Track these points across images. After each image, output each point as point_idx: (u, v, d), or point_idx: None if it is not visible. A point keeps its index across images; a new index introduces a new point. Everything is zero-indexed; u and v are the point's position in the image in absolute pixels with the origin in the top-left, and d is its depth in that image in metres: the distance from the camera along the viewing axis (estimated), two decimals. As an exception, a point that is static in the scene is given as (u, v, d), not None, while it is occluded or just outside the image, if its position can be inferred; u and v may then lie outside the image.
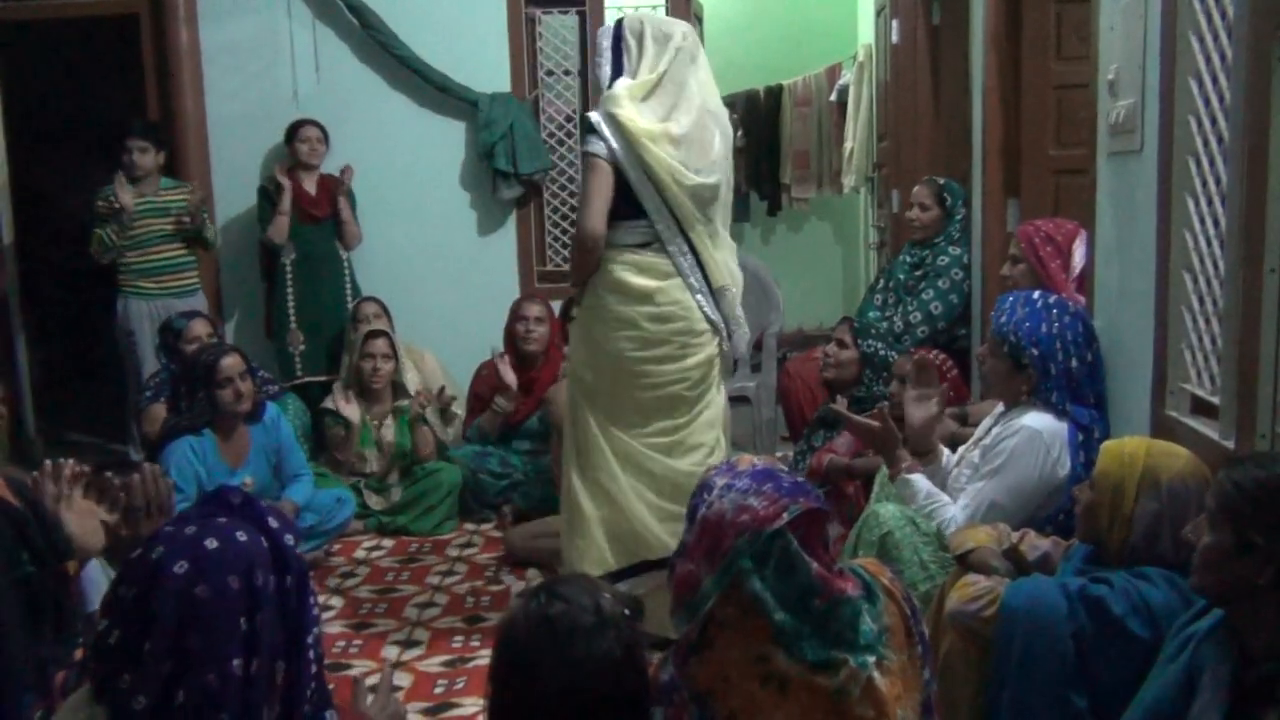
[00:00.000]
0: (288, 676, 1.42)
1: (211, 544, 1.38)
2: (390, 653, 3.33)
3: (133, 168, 4.88)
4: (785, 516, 1.71)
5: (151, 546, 1.39)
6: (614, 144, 3.10)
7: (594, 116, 3.16)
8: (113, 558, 2.34)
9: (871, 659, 1.71)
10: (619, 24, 3.28)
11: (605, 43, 3.26)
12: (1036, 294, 2.93)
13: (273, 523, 1.46)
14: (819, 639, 1.70)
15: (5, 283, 5.40)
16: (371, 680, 3.08)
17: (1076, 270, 3.30)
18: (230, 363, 3.79)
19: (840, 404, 3.44)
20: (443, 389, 4.87)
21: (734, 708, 1.71)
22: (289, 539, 1.47)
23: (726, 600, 1.72)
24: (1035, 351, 2.76)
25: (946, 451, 3.00)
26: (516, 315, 4.66)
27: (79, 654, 2.11)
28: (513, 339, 4.66)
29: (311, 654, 1.47)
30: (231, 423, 3.84)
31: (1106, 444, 2.26)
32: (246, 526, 1.43)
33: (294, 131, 5.12)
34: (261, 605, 1.39)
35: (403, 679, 3.15)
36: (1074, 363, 2.78)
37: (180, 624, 1.34)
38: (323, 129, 5.15)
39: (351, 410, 4.64)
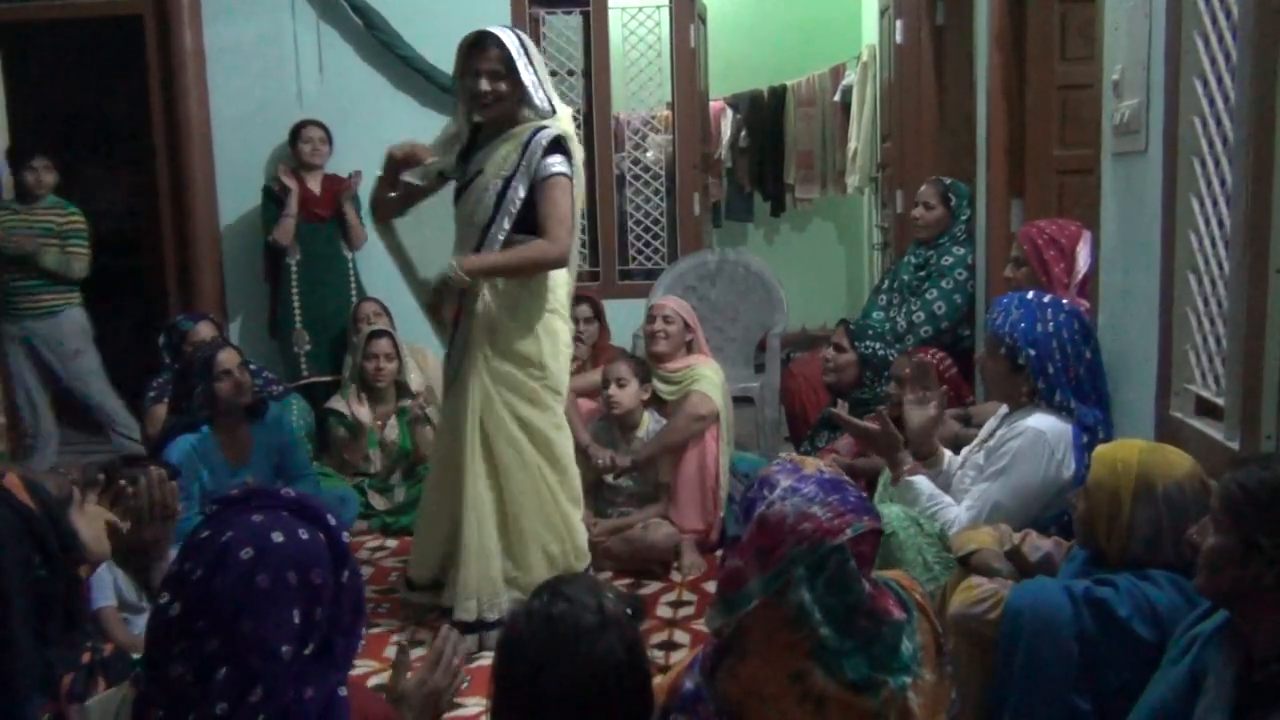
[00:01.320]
0: (330, 657, 1.51)
1: (278, 537, 1.47)
2: (393, 653, 3.33)
3: (38, 185, 4.90)
4: (849, 532, 1.67)
5: (220, 529, 1.47)
6: (571, 168, 3.27)
7: (562, 139, 3.24)
8: (122, 561, 2.34)
9: (908, 680, 1.69)
10: (522, 38, 3.29)
11: (532, 52, 3.28)
12: (1031, 294, 2.92)
13: (330, 519, 1.55)
14: (861, 658, 1.68)
15: (7, 282, 5.40)
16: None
17: (1081, 274, 3.29)
18: (226, 356, 3.81)
19: (841, 408, 3.44)
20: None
21: None
22: (345, 536, 1.56)
23: (768, 607, 1.69)
24: (1032, 351, 2.75)
25: (949, 454, 3.00)
26: None
27: (86, 656, 2.11)
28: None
29: (360, 642, 1.57)
30: (233, 421, 3.84)
31: (1098, 451, 2.23)
32: (309, 525, 1.52)
33: (297, 132, 5.13)
34: (318, 601, 1.48)
35: (406, 679, 3.15)
36: (1072, 360, 2.77)
37: (237, 607, 1.42)
38: (326, 129, 5.16)
39: (364, 412, 4.66)
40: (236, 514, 1.50)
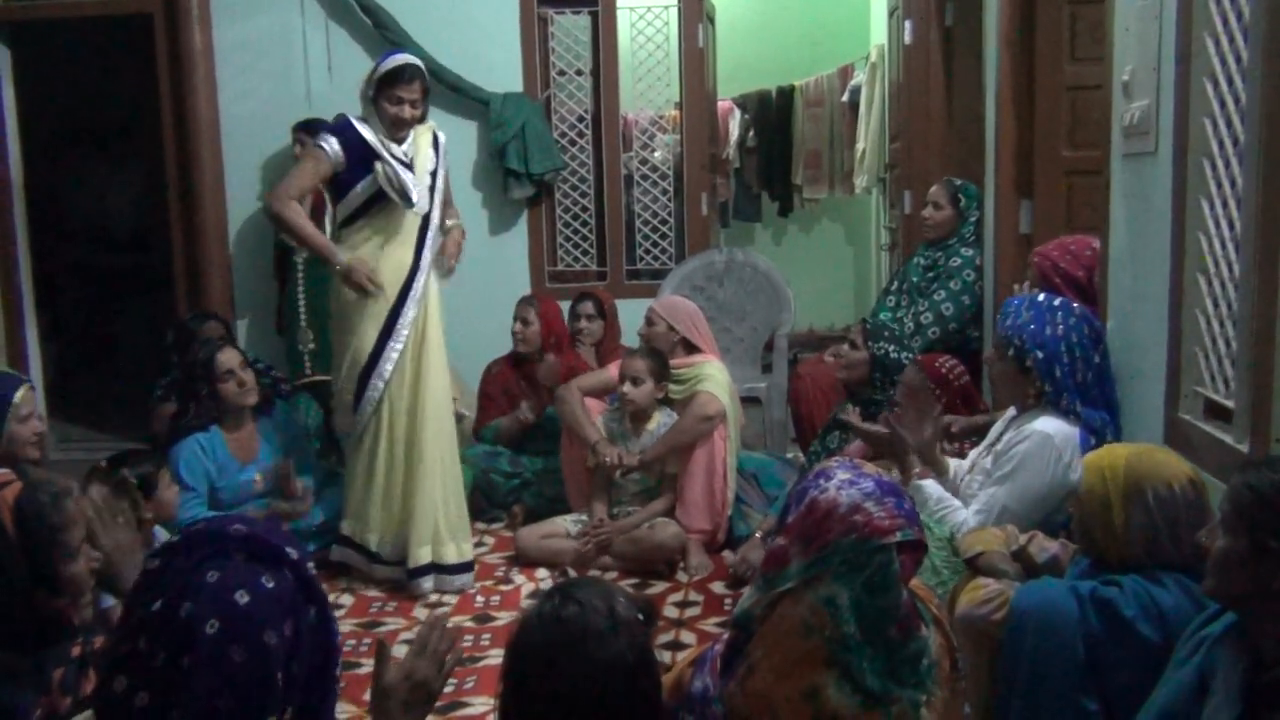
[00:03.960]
0: (315, 702, 1.39)
1: (243, 599, 1.28)
2: (400, 652, 3.33)
3: None
4: (898, 535, 1.67)
5: (176, 599, 1.28)
6: None
7: None
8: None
9: (923, 697, 1.69)
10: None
11: None
12: (1042, 296, 2.92)
13: (291, 553, 1.37)
14: (880, 667, 1.67)
15: (19, 279, 5.42)
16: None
17: None
18: (226, 356, 3.81)
19: (851, 413, 3.43)
20: None
21: None
22: (310, 566, 1.40)
23: (795, 601, 1.68)
24: (1040, 354, 2.75)
25: (955, 462, 3.00)
26: (515, 316, 4.69)
27: (76, 650, 2.11)
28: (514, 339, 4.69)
29: (338, 684, 1.43)
30: (239, 418, 3.85)
31: (1087, 458, 2.23)
32: (270, 570, 1.33)
33: None
34: (296, 651, 1.32)
35: (412, 678, 3.15)
36: (1080, 365, 2.76)
37: (212, 689, 1.25)
38: None
39: None
40: (187, 573, 1.30)
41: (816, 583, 1.68)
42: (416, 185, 3.73)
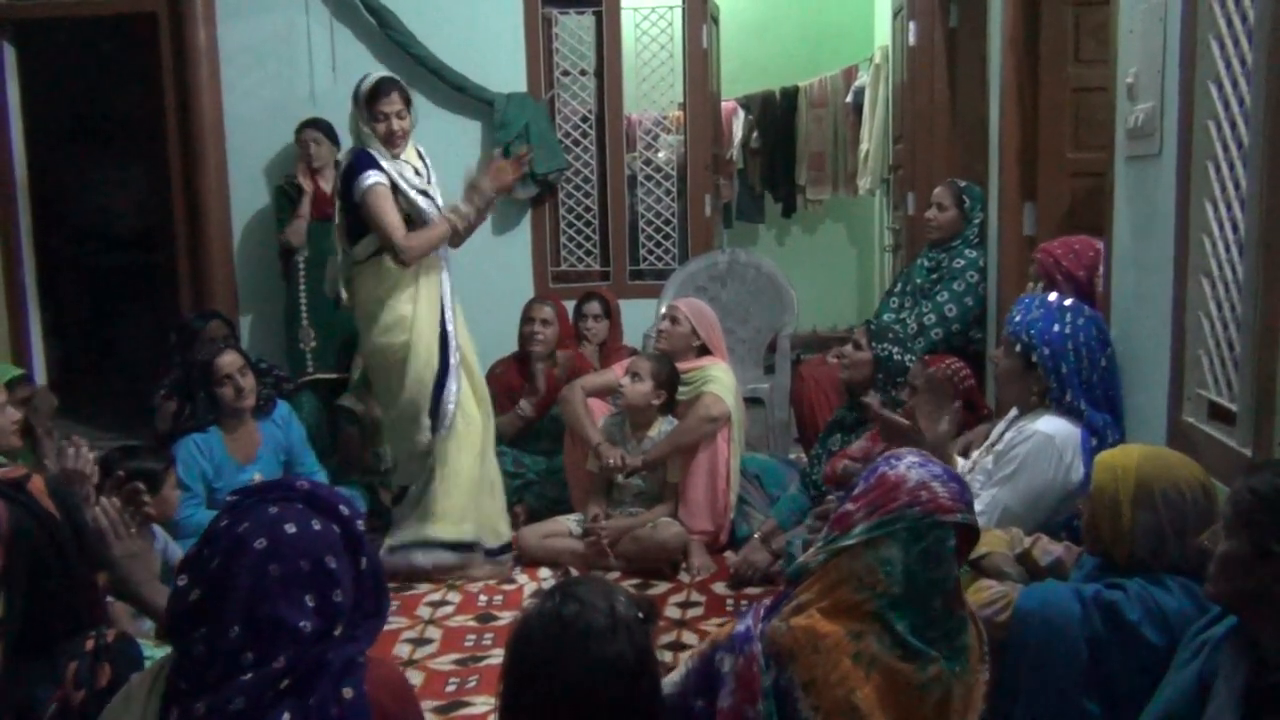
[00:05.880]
0: (355, 635, 1.61)
1: (290, 529, 1.57)
2: (402, 650, 3.34)
3: None
4: (958, 516, 1.81)
5: (238, 520, 1.58)
6: None
7: None
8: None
9: (957, 668, 1.79)
10: None
11: None
12: (1053, 296, 2.93)
13: (344, 510, 1.64)
14: (921, 631, 1.78)
15: (23, 276, 5.43)
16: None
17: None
18: (226, 361, 3.79)
19: (874, 398, 3.43)
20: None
21: (815, 676, 1.78)
22: (360, 525, 1.66)
23: (853, 557, 1.80)
24: (1046, 351, 2.75)
25: (961, 460, 3.00)
26: (525, 317, 4.68)
27: (89, 644, 2.12)
28: (521, 340, 4.68)
29: (384, 622, 1.69)
30: (239, 419, 3.85)
31: (1100, 457, 2.23)
32: (321, 516, 1.61)
33: (298, 133, 5.10)
34: (334, 585, 1.58)
35: (414, 677, 3.15)
36: (1085, 364, 2.76)
37: (252, 594, 1.52)
38: (324, 129, 5.11)
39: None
40: (254, 506, 1.60)
41: (877, 544, 1.80)
42: (429, 208, 3.84)
